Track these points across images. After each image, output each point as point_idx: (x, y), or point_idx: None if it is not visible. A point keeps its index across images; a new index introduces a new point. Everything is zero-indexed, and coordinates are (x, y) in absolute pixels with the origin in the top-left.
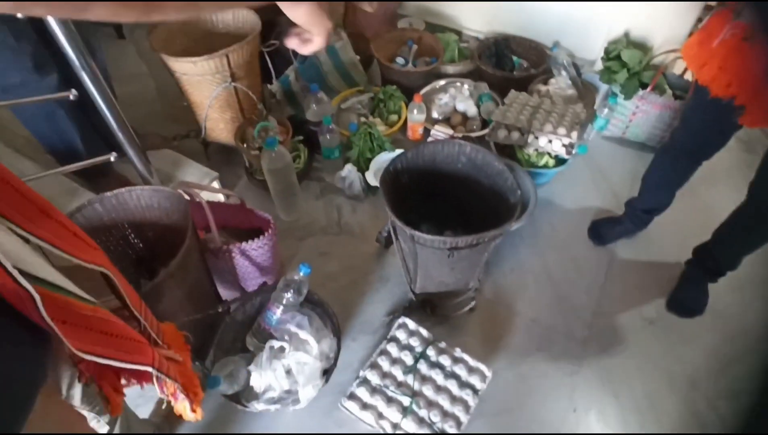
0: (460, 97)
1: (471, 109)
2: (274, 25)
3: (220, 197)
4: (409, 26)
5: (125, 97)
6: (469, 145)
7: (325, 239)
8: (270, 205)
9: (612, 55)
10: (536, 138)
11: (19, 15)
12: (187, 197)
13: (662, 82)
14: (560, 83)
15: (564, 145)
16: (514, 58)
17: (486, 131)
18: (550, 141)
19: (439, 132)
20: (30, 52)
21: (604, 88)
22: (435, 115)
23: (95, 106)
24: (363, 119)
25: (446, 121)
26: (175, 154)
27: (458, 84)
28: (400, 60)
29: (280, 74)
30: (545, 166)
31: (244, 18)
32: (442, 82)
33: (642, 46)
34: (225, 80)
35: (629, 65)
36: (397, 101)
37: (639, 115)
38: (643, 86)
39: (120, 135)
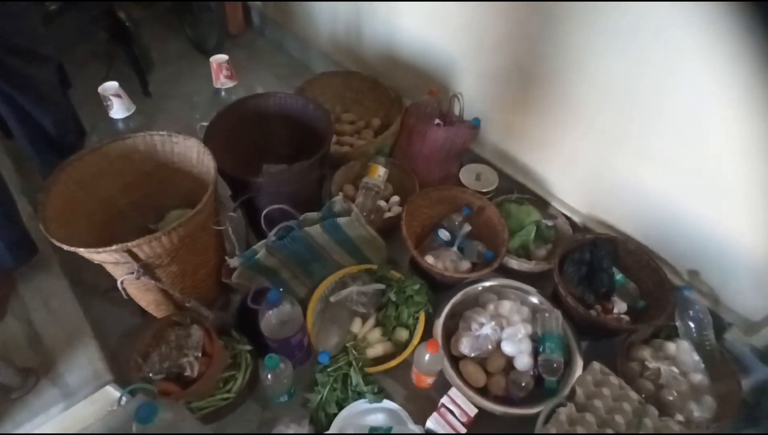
0: (511, 330)
1: (523, 360)
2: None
3: None
4: (476, 179)
5: None
6: None
7: None
8: None
9: None
10: None
11: None
12: None
13: None
14: (681, 353)
15: None
16: (618, 275)
17: (540, 411)
18: None
19: (456, 403)
20: None
21: (760, 370)
22: (464, 347)
23: None
24: (349, 344)
25: (480, 363)
26: None
27: (516, 298)
28: (443, 234)
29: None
30: None
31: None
32: (489, 285)
33: None
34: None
35: None
36: (415, 308)
37: None
38: None
39: None
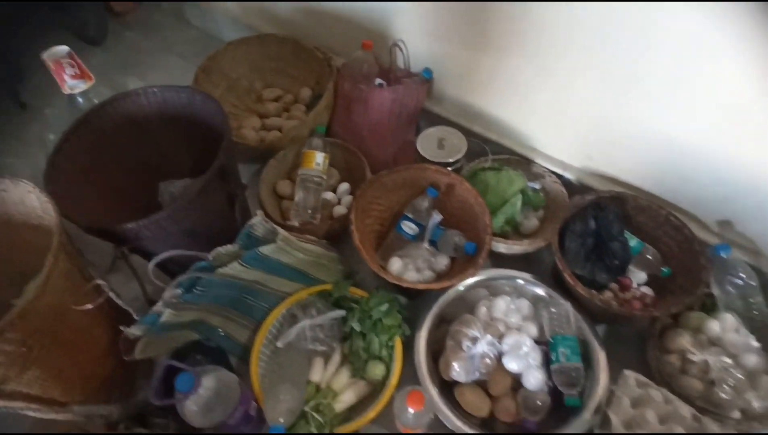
0: (513, 340)
1: (532, 376)
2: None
3: None
4: (438, 147)
5: None
6: None
7: None
8: None
9: None
10: None
11: None
12: None
13: None
14: (727, 333)
15: None
16: (632, 241)
17: None
18: None
19: None
20: None
21: None
22: (455, 373)
23: None
24: (308, 408)
25: (480, 386)
26: None
27: (512, 291)
28: (408, 228)
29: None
30: None
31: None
32: (475, 281)
33: None
34: None
35: None
36: (387, 334)
37: None
38: None
39: None
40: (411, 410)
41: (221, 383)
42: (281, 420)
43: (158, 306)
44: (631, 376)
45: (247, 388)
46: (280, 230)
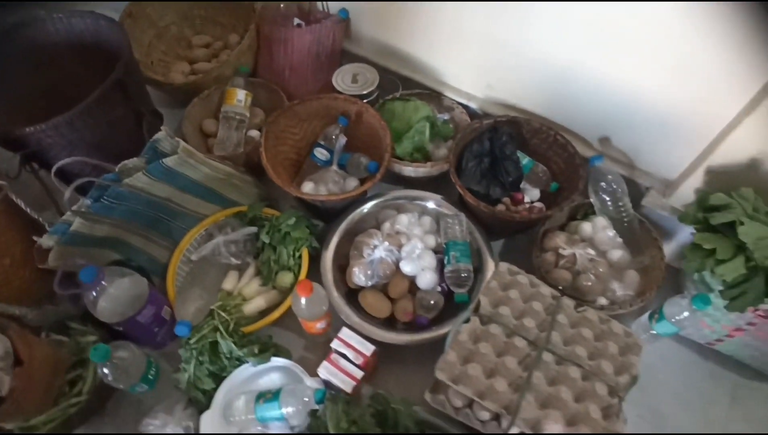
0: (409, 247)
1: (425, 277)
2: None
3: None
4: (353, 81)
5: None
6: None
7: None
8: None
9: (708, 204)
10: None
11: None
12: None
13: None
14: (598, 232)
15: None
16: (524, 159)
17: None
18: None
19: (349, 344)
20: None
21: (681, 233)
22: (356, 277)
23: None
24: (214, 306)
25: (382, 290)
26: None
27: (416, 209)
28: (320, 154)
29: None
30: None
31: None
32: (381, 201)
33: None
34: None
35: (752, 250)
36: (296, 244)
37: (749, 334)
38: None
39: None
40: (302, 299)
41: (130, 283)
42: (190, 318)
43: (67, 215)
44: (504, 266)
45: (161, 294)
46: (182, 142)
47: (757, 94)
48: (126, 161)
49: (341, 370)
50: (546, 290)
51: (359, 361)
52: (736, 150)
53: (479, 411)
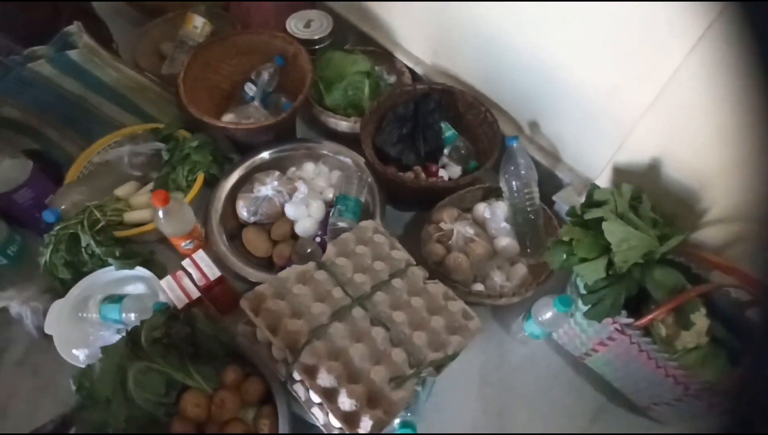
0: (301, 191)
1: (304, 225)
2: None
3: None
4: (305, 26)
5: None
6: None
7: None
8: None
9: (593, 199)
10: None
11: None
12: None
13: (696, 305)
14: (494, 213)
15: None
16: (449, 131)
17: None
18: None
19: (198, 266)
20: None
21: None
22: (241, 209)
23: None
24: (91, 203)
25: (266, 231)
26: None
27: (327, 162)
28: (249, 89)
29: None
30: None
31: None
32: (293, 147)
33: (676, 213)
34: None
35: (614, 251)
36: (193, 166)
37: (611, 350)
38: (632, 306)
39: None
40: (159, 211)
41: (11, 164)
42: (62, 207)
43: None
44: (370, 224)
45: (51, 184)
46: (86, 37)
47: (662, 88)
48: (35, 48)
49: (180, 287)
50: (400, 255)
51: (201, 282)
52: (637, 148)
53: (275, 350)
